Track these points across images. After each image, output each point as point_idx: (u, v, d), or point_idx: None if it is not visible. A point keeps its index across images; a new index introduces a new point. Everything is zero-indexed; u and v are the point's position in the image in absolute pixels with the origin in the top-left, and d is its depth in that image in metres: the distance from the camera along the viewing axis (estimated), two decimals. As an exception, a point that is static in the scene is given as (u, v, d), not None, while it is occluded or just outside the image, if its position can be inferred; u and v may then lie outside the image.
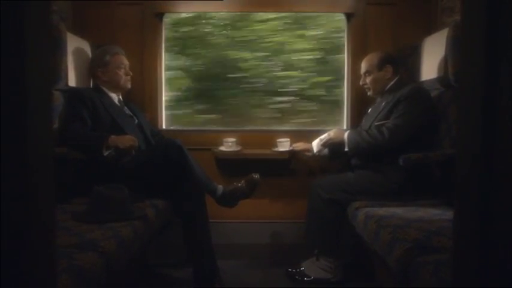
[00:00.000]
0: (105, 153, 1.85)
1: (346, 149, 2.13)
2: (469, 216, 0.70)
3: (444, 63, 2.03)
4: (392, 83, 2.20)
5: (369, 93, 2.28)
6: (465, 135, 0.72)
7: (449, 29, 1.97)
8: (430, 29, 2.45)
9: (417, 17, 2.53)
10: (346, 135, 2.14)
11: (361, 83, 2.29)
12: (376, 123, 2.11)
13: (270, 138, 2.53)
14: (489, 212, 0.66)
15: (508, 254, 0.63)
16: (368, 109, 2.33)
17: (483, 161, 0.66)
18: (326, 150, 2.30)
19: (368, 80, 2.24)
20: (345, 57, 2.66)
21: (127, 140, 1.93)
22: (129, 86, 2.27)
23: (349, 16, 2.60)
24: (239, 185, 2.12)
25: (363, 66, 2.26)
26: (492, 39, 0.65)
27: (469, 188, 0.70)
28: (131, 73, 2.27)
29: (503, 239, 0.64)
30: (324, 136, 2.25)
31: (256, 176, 2.13)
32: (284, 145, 2.48)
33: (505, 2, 0.63)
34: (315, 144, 2.30)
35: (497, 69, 0.64)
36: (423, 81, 2.30)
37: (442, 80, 2.07)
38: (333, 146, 2.25)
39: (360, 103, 2.52)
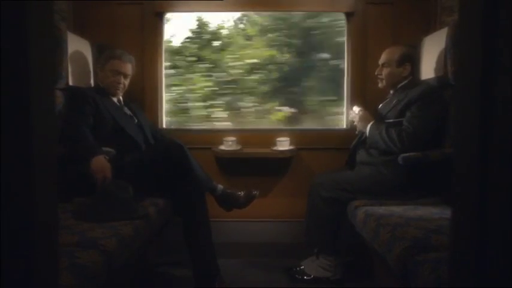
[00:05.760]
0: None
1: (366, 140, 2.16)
2: (467, 214, 0.71)
3: (444, 63, 2.03)
4: (406, 81, 2.19)
5: (380, 85, 2.27)
6: (462, 134, 0.73)
7: (449, 28, 1.97)
8: (429, 28, 2.45)
9: (417, 16, 2.53)
10: (368, 127, 2.14)
11: (376, 73, 2.27)
12: (386, 121, 2.11)
13: (270, 137, 2.54)
14: (486, 211, 0.66)
15: (506, 252, 0.63)
16: (379, 105, 2.30)
17: (480, 160, 0.67)
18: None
19: (384, 72, 2.22)
20: (345, 56, 2.66)
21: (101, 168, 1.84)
22: (118, 94, 2.22)
23: (348, 15, 2.61)
24: (238, 193, 2.15)
25: (383, 57, 2.24)
26: (490, 38, 0.65)
27: (467, 187, 0.71)
28: (125, 83, 2.22)
29: (500, 238, 0.64)
30: (357, 111, 2.25)
31: (255, 192, 2.18)
32: (284, 144, 2.49)
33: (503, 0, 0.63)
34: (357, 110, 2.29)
35: (494, 68, 0.65)
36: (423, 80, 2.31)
37: (441, 79, 2.07)
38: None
39: (360, 101, 2.53)
